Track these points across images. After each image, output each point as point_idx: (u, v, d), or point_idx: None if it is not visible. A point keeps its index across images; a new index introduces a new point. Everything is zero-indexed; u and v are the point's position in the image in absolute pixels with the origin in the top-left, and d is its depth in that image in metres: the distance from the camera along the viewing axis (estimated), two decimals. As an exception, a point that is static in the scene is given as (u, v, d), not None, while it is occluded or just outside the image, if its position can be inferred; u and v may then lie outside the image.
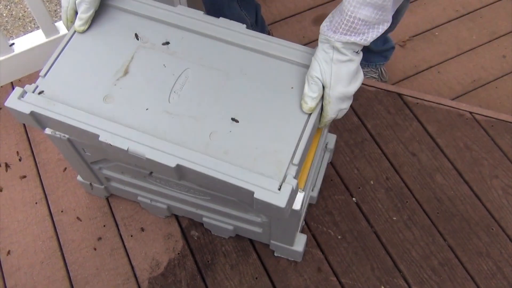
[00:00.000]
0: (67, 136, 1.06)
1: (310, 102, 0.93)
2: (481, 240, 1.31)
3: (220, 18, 1.05)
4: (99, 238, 1.33)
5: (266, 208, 0.87)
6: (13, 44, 1.49)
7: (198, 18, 1.04)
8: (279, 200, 0.84)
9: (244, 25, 1.04)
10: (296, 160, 0.89)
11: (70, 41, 1.02)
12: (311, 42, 1.86)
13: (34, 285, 1.27)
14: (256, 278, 1.26)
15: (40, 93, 0.97)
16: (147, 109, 0.95)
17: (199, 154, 0.89)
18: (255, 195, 0.85)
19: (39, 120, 0.97)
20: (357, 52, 0.91)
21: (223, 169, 0.87)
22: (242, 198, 0.92)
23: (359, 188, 1.39)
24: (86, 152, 1.12)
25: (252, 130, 0.93)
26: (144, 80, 0.99)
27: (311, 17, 1.96)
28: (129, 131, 0.92)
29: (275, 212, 0.88)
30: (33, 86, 0.97)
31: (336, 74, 0.91)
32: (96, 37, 1.03)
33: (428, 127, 1.49)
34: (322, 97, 0.94)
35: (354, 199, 1.37)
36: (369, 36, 0.88)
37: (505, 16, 1.93)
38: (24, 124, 1.51)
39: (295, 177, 0.88)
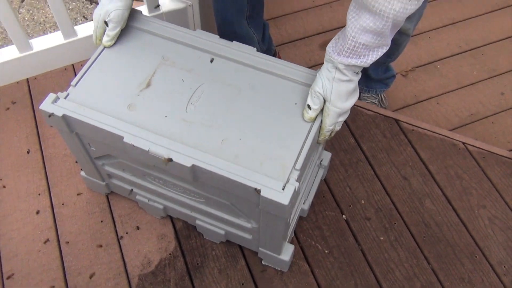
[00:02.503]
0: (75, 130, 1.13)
1: (311, 112, 1.05)
2: (464, 267, 1.35)
3: (234, 42, 1.18)
4: (96, 233, 1.38)
5: (270, 205, 0.98)
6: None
7: (214, 41, 1.18)
8: (283, 198, 0.95)
9: (255, 48, 1.17)
10: (298, 165, 1.01)
11: (99, 56, 1.16)
12: (317, 65, 1.93)
13: (29, 271, 1.31)
14: (243, 284, 1.30)
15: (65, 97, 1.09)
16: (166, 116, 1.07)
17: (212, 156, 1.00)
18: (261, 193, 0.96)
19: (68, 123, 1.10)
20: (356, 73, 1.01)
21: (234, 170, 0.98)
22: (248, 197, 1.01)
23: (350, 206, 1.44)
24: (91, 147, 1.19)
25: (260, 138, 1.04)
26: (164, 92, 1.11)
27: (318, 41, 2.04)
28: (150, 134, 1.03)
29: (278, 209, 0.98)
30: (64, 93, 1.10)
31: (336, 91, 1.01)
32: (122, 54, 1.16)
33: (422, 153, 1.54)
34: (322, 110, 1.05)
35: (344, 216, 1.42)
36: (369, 59, 0.97)
37: (506, 55, 2.00)
38: (35, 120, 1.58)
39: (297, 180, 0.99)
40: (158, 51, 1.17)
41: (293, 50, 2.01)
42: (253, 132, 1.06)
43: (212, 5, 1.47)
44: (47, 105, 1.08)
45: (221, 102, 1.10)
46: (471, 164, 1.52)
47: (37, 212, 1.41)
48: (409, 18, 1.38)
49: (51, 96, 1.09)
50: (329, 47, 1.00)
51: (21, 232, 1.38)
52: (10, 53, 1.55)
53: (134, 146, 1.02)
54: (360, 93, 1.80)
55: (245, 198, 1.05)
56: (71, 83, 1.12)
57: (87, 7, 2.54)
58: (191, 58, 1.17)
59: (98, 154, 1.22)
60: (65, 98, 1.10)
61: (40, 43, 1.57)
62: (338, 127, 1.09)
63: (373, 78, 1.74)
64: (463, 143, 1.56)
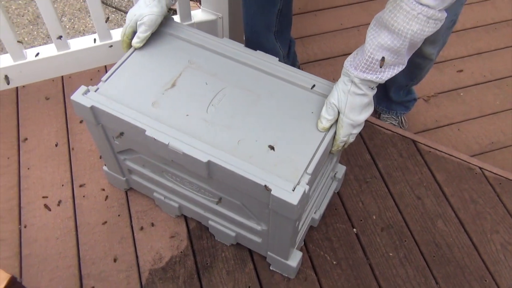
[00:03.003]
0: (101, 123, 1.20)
1: (325, 122, 1.08)
2: (472, 289, 1.34)
3: (258, 51, 1.24)
4: (112, 226, 1.43)
5: (280, 205, 1.01)
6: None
7: (239, 50, 1.25)
8: (293, 198, 0.99)
9: (277, 58, 1.23)
10: (310, 170, 1.04)
11: (130, 57, 1.24)
12: (340, 84, 1.97)
13: (46, 257, 1.37)
14: (249, 287, 1.32)
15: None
16: (187, 115, 1.13)
17: (227, 155, 1.05)
18: (272, 192, 0.99)
19: (96, 114, 1.16)
20: (371, 88, 1.04)
21: (247, 168, 1.03)
22: (259, 196, 1.05)
23: (361, 220, 1.45)
24: (115, 140, 1.25)
25: (275, 142, 1.08)
26: (188, 93, 1.17)
27: (343, 62, 2.07)
28: (171, 130, 1.09)
29: (288, 210, 1.01)
30: (95, 87, 1.17)
31: (350, 104, 1.05)
32: (151, 56, 1.23)
33: (437, 175, 1.55)
34: (337, 121, 1.08)
35: (354, 230, 1.43)
36: (384, 75, 1.01)
37: (531, 87, 2.00)
38: (66, 116, 1.66)
39: (308, 184, 1.02)
40: (186, 55, 1.24)
41: (318, 69, 2.06)
42: (269, 136, 1.10)
43: (242, 18, 1.54)
44: (78, 96, 1.15)
45: (241, 105, 1.15)
46: (487, 189, 1.52)
47: (59, 202, 1.47)
48: (433, 44, 1.42)
49: (82, 88, 1.16)
50: (347, 61, 1.04)
51: (42, 219, 1.44)
52: (49, 51, 1.65)
53: (155, 139, 1.08)
54: (380, 114, 1.84)
55: (256, 199, 1.08)
56: (102, 79, 1.19)
57: (125, 19, 2.67)
58: (216, 64, 1.23)
59: (121, 148, 1.28)
60: (95, 91, 1.17)
61: (77, 43, 1.66)
62: (351, 139, 1.12)
63: (394, 100, 1.77)
64: (480, 168, 1.56)
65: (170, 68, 1.22)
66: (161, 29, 1.27)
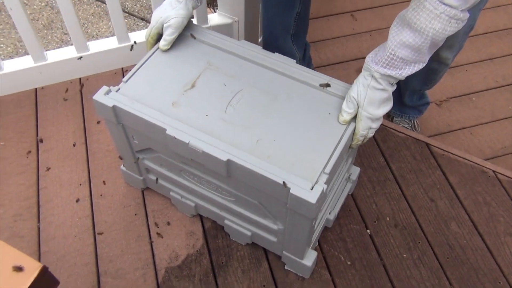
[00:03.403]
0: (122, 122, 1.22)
1: (345, 115, 1.11)
2: (486, 291, 1.34)
3: (275, 53, 1.27)
4: (129, 224, 1.45)
5: (298, 204, 1.03)
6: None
7: (257, 51, 1.28)
8: (311, 197, 1.01)
9: (294, 60, 1.26)
10: (328, 169, 1.06)
11: (150, 58, 1.27)
12: (352, 88, 1.99)
13: (64, 254, 1.39)
14: (264, 286, 1.34)
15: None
16: (206, 115, 1.16)
17: (246, 154, 1.07)
18: (291, 191, 1.01)
19: (117, 113, 1.19)
20: (391, 84, 1.06)
21: (266, 167, 1.05)
22: (277, 195, 1.07)
23: (375, 222, 1.46)
24: (134, 140, 1.28)
25: (293, 141, 1.11)
26: (207, 94, 1.20)
27: (356, 66, 2.10)
28: (191, 129, 1.12)
29: (306, 208, 1.03)
30: (116, 87, 1.21)
31: (369, 98, 1.08)
32: (171, 57, 1.27)
33: (451, 178, 1.56)
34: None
35: (368, 231, 1.44)
36: (404, 72, 1.03)
37: (543, 93, 2.00)
38: (83, 117, 1.69)
39: (325, 183, 1.04)
40: (205, 57, 1.27)
41: (331, 73, 2.06)
42: (287, 136, 1.12)
43: (261, 20, 1.57)
44: (100, 96, 1.18)
45: (259, 106, 1.17)
46: (500, 192, 1.53)
47: (77, 201, 1.50)
48: (450, 48, 1.44)
49: (104, 88, 1.19)
50: (369, 57, 1.07)
51: (60, 217, 1.46)
52: (68, 52, 1.68)
53: (175, 138, 1.10)
54: (393, 117, 1.85)
55: (273, 197, 1.10)
56: (123, 80, 1.22)
57: (138, 24, 2.70)
58: (234, 65, 1.25)
59: (140, 148, 1.30)
60: (116, 91, 1.20)
61: (96, 45, 1.69)
62: (371, 134, 1.14)
63: (407, 104, 1.78)
64: (493, 171, 1.57)
65: (190, 69, 1.24)
66: (182, 32, 1.30)
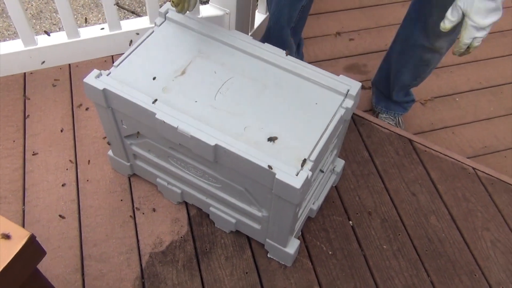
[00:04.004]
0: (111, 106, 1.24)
1: (447, 23, 1.13)
2: (462, 283, 1.38)
3: (266, 43, 1.30)
4: (114, 210, 1.46)
5: (283, 189, 1.06)
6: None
7: (247, 41, 1.30)
8: (296, 182, 1.03)
9: (284, 51, 1.27)
10: (313, 157, 1.09)
11: (142, 44, 1.28)
12: (340, 85, 2.02)
13: (48, 237, 1.40)
14: (247, 273, 1.36)
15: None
16: (196, 101, 1.18)
17: (234, 140, 1.09)
18: (276, 176, 1.04)
19: (107, 97, 1.20)
20: None
21: (253, 153, 1.07)
22: (263, 181, 1.09)
23: (357, 214, 1.49)
24: (123, 124, 1.29)
25: (280, 129, 1.13)
26: (197, 81, 1.22)
27: (343, 64, 2.13)
28: (180, 114, 1.13)
29: (290, 194, 1.06)
30: (107, 71, 1.22)
31: (477, 7, 1.08)
32: (163, 44, 1.28)
33: (432, 173, 1.60)
34: (461, 24, 1.12)
35: (350, 222, 1.48)
36: None
37: (524, 95, 2.06)
38: (72, 103, 1.70)
39: (310, 170, 1.06)
40: (196, 45, 1.28)
41: (319, 69, 2.10)
42: (274, 124, 1.14)
43: (268, 8, 1.59)
44: (90, 79, 1.19)
45: (248, 94, 1.20)
46: (479, 188, 1.57)
47: (63, 185, 1.50)
48: (447, 36, 1.46)
49: (95, 71, 1.20)
50: None
51: (45, 201, 1.47)
52: (59, 38, 1.69)
53: (164, 122, 1.12)
54: (378, 113, 1.89)
55: (259, 183, 1.12)
56: (114, 64, 1.23)
57: (128, 18, 2.70)
58: (225, 54, 1.27)
59: (128, 133, 1.31)
60: (107, 75, 1.21)
61: (87, 32, 1.70)
62: (476, 44, 1.14)
63: (393, 100, 1.81)
64: (473, 168, 1.61)
65: (181, 56, 1.26)
66: (173, 20, 1.32)
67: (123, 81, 1.19)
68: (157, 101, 1.15)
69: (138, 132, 1.29)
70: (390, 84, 1.76)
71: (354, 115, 1.73)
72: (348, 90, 1.20)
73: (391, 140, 1.67)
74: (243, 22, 1.78)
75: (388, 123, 1.86)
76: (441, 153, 1.64)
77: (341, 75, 1.23)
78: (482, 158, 1.85)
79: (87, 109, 1.67)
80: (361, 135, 1.68)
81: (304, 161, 1.07)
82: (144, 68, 1.23)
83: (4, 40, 2.34)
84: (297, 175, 1.04)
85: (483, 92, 2.08)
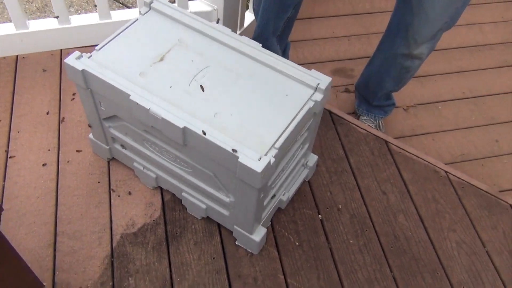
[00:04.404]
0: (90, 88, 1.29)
1: None
2: (424, 281, 1.41)
3: (243, 36, 1.35)
4: (91, 191, 1.50)
5: (245, 173, 1.10)
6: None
7: (226, 33, 1.35)
8: (257, 166, 1.07)
9: (260, 44, 1.33)
10: (278, 145, 1.13)
11: (125, 30, 1.33)
12: (325, 86, 2.07)
13: (25, 213, 1.44)
14: (214, 258, 1.39)
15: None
16: (170, 87, 1.23)
17: (203, 124, 1.14)
18: (239, 160, 1.08)
19: (86, 78, 1.26)
20: None
21: (220, 137, 1.12)
22: (228, 163, 1.13)
23: (328, 208, 1.53)
24: (101, 106, 1.34)
25: (249, 117, 1.18)
26: (174, 68, 1.27)
27: (331, 67, 2.18)
28: (153, 97, 1.18)
29: (252, 178, 1.10)
30: (88, 54, 1.27)
31: None
32: (145, 32, 1.34)
33: (404, 174, 1.63)
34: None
35: (320, 216, 1.51)
36: None
37: (506, 107, 2.09)
38: (60, 88, 1.75)
39: (274, 157, 1.11)
40: (177, 34, 1.34)
41: (306, 71, 2.15)
42: (244, 111, 1.19)
43: (255, 17, 1.65)
44: (71, 60, 1.24)
45: (221, 83, 1.24)
46: (449, 191, 1.60)
47: (44, 165, 1.55)
48: (427, 43, 1.49)
49: (76, 53, 1.25)
50: None
51: (26, 178, 1.51)
52: (49, 24, 1.74)
53: (137, 104, 1.17)
54: (360, 115, 1.93)
55: (225, 168, 1.16)
56: (96, 48, 1.28)
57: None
58: (204, 44, 1.32)
59: (107, 115, 1.36)
60: (88, 58, 1.26)
61: (79, 20, 1.76)
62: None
63: (374, 104, 1.86)
64: (446, 171, 1.65)
65: (161, 44, 1.31)
66: (157, 10, 1.37)
67: (102, 64, 1.24)
68: (132, 84, 1.20)
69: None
70: (371, 89, 1.81)
71: (333, 114, 1.77)
72: (318, 84, 1.24)
73: (367, 140, 1.71)
74: (231, 20, 1.83)
75: (369, 125, 1.90)
76: (415, 155, 1.68)
77: (313, 70, 1.27)
78: (459, 165, 1.88)
79: (73, 94, 1.72)
80: (338, 134, 1.72)
81: (269, 148, 1.12)
82: (124, 53, 1.28)
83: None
84: (259, 160, 1.09)
85: (465, 101, 2.12)
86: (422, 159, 1.67)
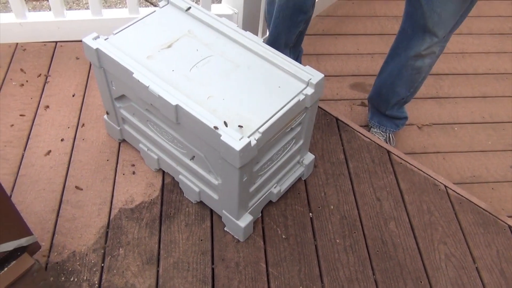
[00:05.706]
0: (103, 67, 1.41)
1: None
2: (406, 287, 1.40)
3: (248, 32, 1.44)
4: (99, 167, 1.61)
5: (227, 151, 1.17)
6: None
7: (233, 28, 1.45)
8: (237, 145, 1.14)
9: (262, 39, 1.39)
10: (262, 129, 1.20)
11: (142, 20, 1.47)
12: (342, 100, 2.11)
13: (37, 179, 1.57)
14: (201, 240, 1.45)
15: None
16: (173, 70, 1.33)
17: (195, 104, 1.23)
18: (221, 138, 1.16)
19: (100, 57, 1.38)
20: None
21: (207, 117, 1.20)
22: (213, 143, 1.21)
23: (319, 207, 1.56)
24: (113, 86, 1.46)
25: (240, 102, 1.26)
26: (179, 54, 1.38)
27: (350, 81, 2.22)
28: (154, 76, 1.29)
29: (232, 156, 1.17)
30: (105, 36, 1.40)
31: None
32: (160, 23, 1.47)
33: (402, 184, 1.63)
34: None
35: (311, 214, 1.54)
36: None
37: (525, 135, 2.05)
38: (88, 75, 1.90)
39: (256, 140, 1.18)
40: (188, 26, 1.45)
41: (325, 83, 2.20)
42: (236, 97, 1.27)
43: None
44: (88, 39, 1.37)
45: (220, 71, 1.33)
46: (446, 205, 1.59)
47: (62, 140, 1.68)
48: (444, 28, 1.50)
49: (94, 34, 1.38)
50: None
51: (43, 150, 1.65)
52: (84, 15, 1.91)
53: (139, 81, 1.27)
54: (371, 127, 1.95)
55: (212, 147, 1.24)
56: (113, 32, 1.41)
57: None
58: (210, 37, 1.42)
59: (117, 94, 1.48)
60: (104, 40, 1.39)
61: (110, 13, 1.92)
62: None
63: (386, 115, 1.87)
64: (445, 186, 1.64)
65: (172, 33, 1.42)
66: (174, 4, 1.49)
67: (116, 46, 1.37)
68: (138, 64, 1.31)
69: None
70: (383, 97, 1.83)
71: (339, 121, 1.81)
72: (310, 79, 1.30)
73: (370, 148, 1.73)
74: (252, 23, 1.93)
75: (378, 137, 1.91)
76: (415, 167, 1.68)
77: (307, 66, 1.34)
78: (468, 186, 1.85)
79: (99, 81, 1.87)
80: (341, 139, 1.75)
81: (253, 132, 1.18)
82: (137, 38, 1.40)
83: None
84: (240, 140, 1.15)
85: (484, 125, 2.09)
86: (422, 171, 1.67)
